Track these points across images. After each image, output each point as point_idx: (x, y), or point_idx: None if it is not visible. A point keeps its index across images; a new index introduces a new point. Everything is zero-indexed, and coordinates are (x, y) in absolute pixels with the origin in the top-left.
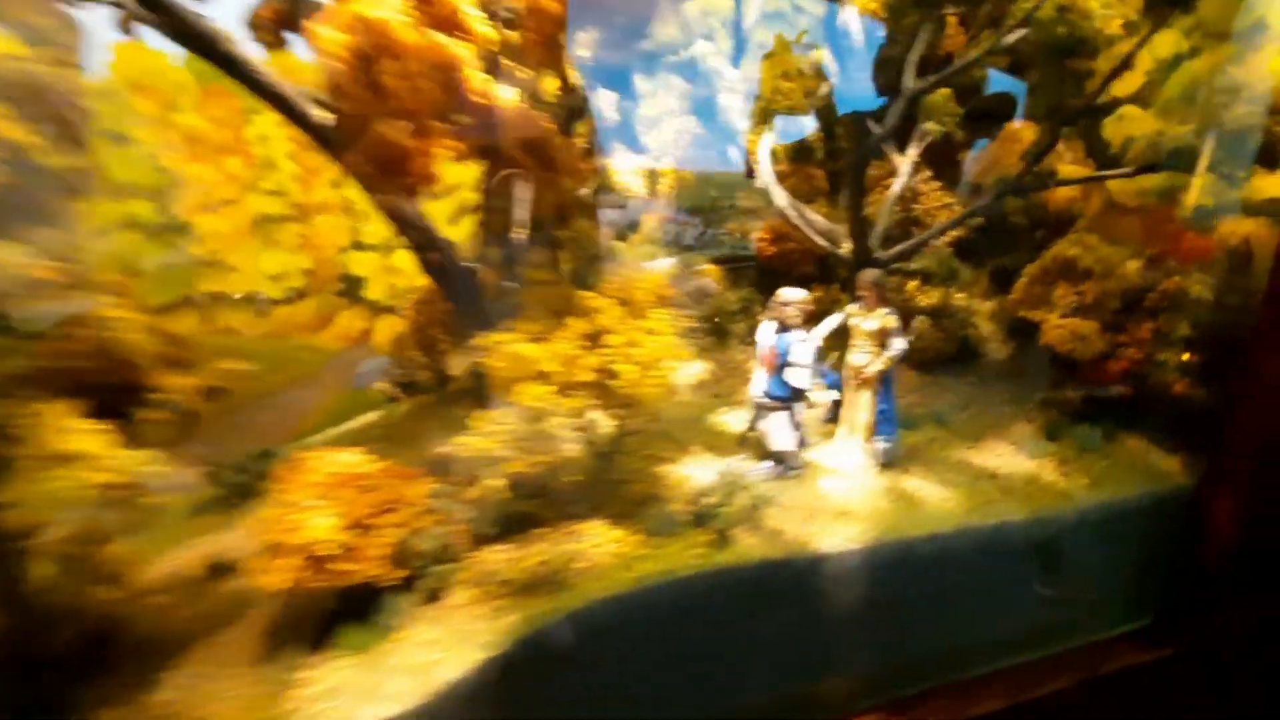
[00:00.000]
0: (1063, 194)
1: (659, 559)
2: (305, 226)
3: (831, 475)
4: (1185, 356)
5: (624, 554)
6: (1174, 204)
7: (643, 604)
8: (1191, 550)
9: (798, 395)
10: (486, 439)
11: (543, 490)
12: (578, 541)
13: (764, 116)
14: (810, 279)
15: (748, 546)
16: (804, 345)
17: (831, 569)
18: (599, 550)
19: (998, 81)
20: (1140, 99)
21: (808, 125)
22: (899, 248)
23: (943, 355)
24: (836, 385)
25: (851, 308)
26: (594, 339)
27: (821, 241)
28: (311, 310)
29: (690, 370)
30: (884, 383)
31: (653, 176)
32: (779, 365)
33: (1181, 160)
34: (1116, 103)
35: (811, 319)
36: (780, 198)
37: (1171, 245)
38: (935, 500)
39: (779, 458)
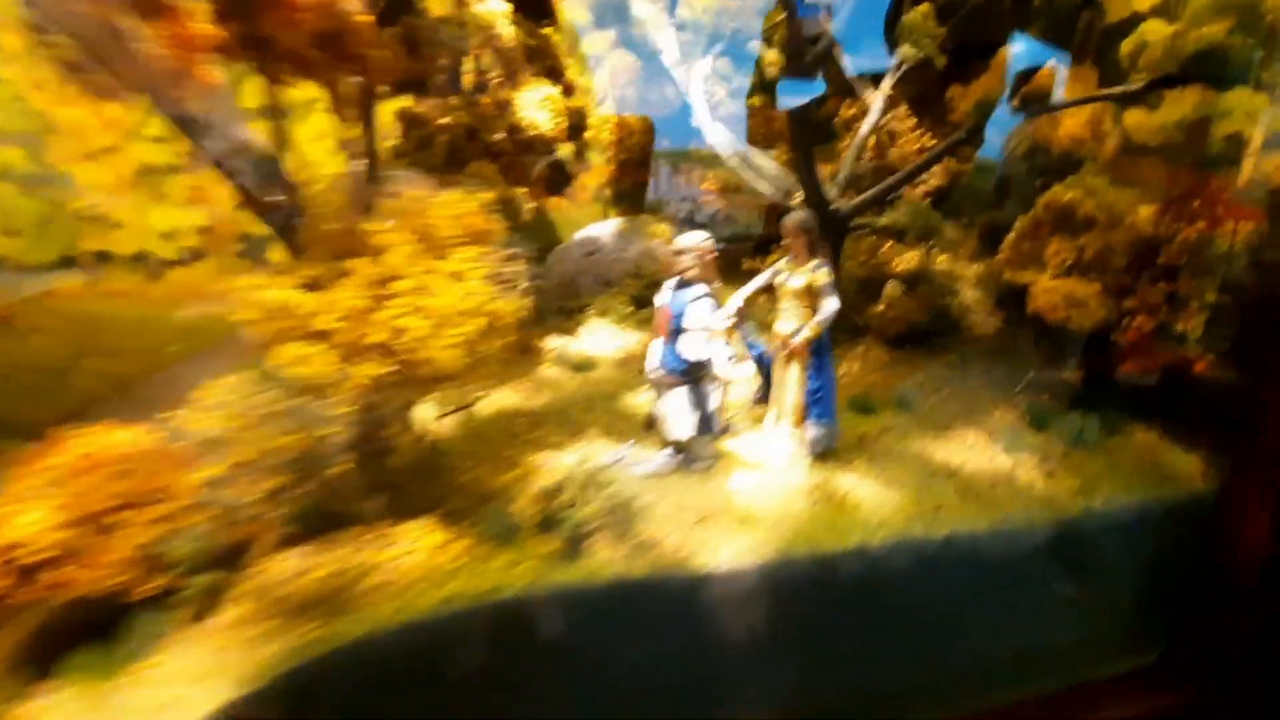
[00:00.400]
0: (1068, 132)
1: (479, 574)
2: (198, 178)
3: (751, 469)
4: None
5: (436, 566)
6: (1205, 141)
7: (448, 632)
8: (1211, 571)
9: (698, 369)
10: (206, 414)
11: (325, 482)
12: (387, 548)
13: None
14: (771, 239)
15: (603, 560)
16: (701, 305)
17: (716, 591)
18: (410, 560)
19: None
20: (1165, 11)
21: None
22: (861, 197)
23: (917, 328)
24: (765, 359)
25: (780, 263)
26: (385, 285)
27: (769, 190)
28: (211, 272)
29: (617, 342)
30: (816, 355)
31: (579, 116)
32: (674, 330)
33: (1211, 68)
34: (1137, 18)
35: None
36: (717, 137)
37: (1204, 197)
38: (871, 503)
39: (680, 446)
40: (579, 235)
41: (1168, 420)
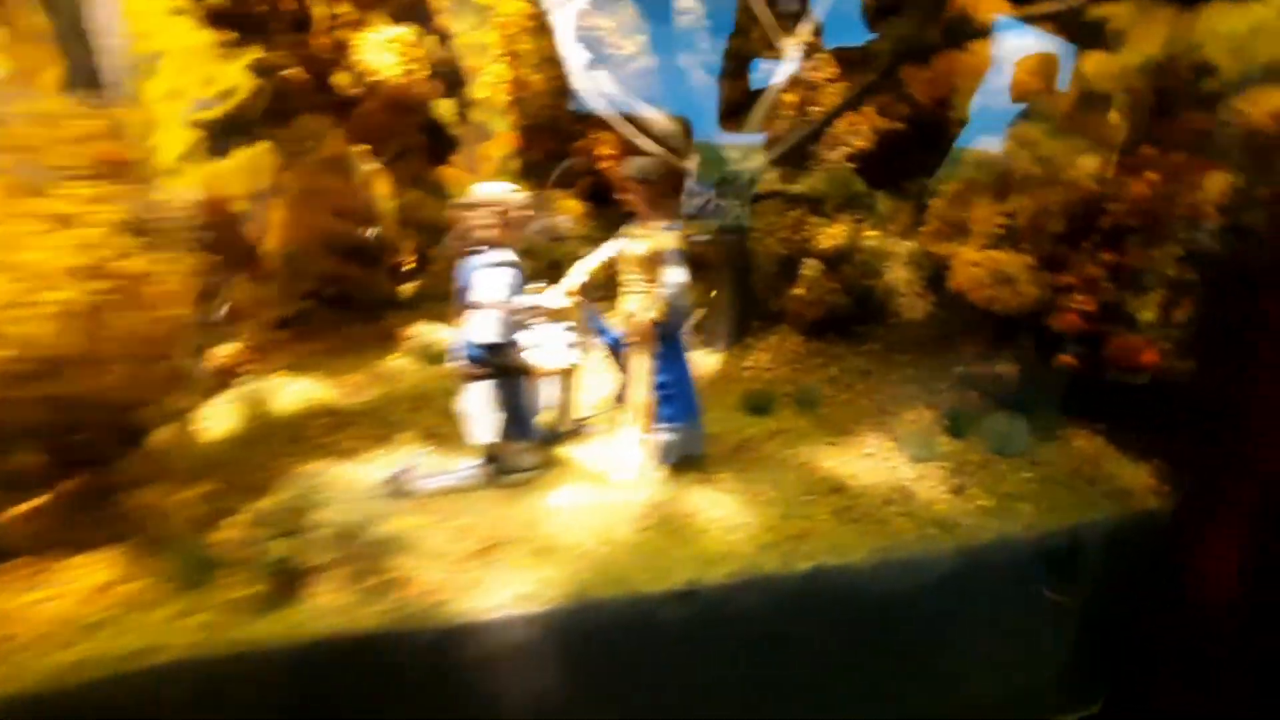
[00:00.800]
0: (1016, 82)
1: (131, 628)
2: None
3: (589, 483)
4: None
5: (79, 616)
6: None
7: (65, 710)
8: (1162, 608)
9: (502, 356)
10: None
11: None
12: (31, 590)
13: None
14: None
15: (321, 608)
16: (494, 275)
17: (476, 647)
18: (51, 607)
19: None
20: None
21: None
22: (764, 157)
23: (838, 313)
24: (620, 348)
25: (630, 226)
26: None
27: (655, 148)
28: None
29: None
30: (665, 342)
31: (451, 67)
32: (466, 307)
33: None
34: None
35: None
36: (589, 83)
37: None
38: (720, 529)
39: (490, 454)
40: None
41: (1117, 423)
